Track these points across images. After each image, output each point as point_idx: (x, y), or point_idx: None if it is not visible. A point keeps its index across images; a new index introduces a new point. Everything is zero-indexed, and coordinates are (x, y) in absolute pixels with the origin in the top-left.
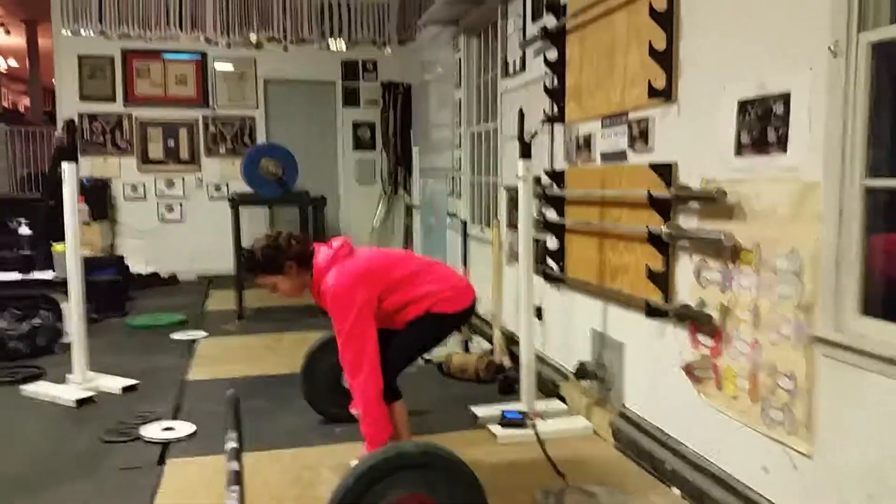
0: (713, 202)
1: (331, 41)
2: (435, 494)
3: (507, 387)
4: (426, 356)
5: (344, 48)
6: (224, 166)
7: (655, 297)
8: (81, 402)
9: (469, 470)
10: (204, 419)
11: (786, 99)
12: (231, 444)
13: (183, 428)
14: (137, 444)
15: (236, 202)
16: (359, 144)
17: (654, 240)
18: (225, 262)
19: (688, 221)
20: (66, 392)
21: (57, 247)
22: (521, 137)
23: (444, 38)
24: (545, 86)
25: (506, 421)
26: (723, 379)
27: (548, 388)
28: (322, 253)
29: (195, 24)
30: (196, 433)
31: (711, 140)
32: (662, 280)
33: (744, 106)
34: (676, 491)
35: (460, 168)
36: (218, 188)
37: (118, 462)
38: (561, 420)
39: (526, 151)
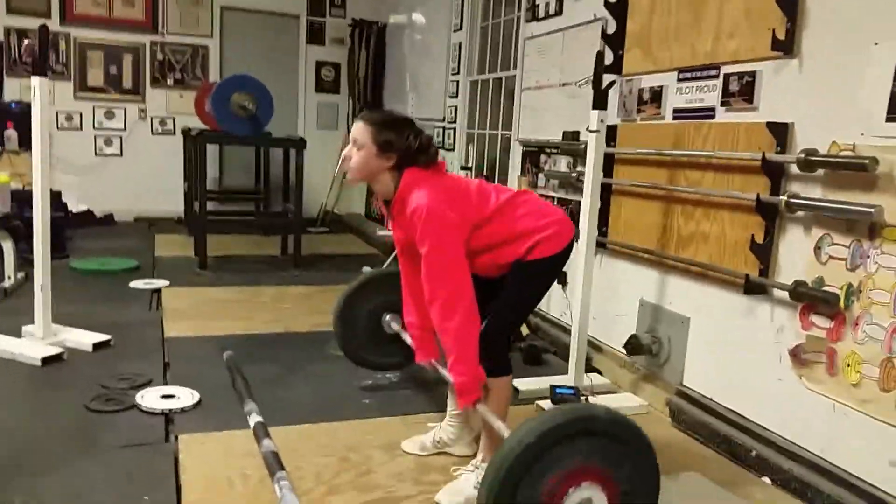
0: (853, 170)
1: None
2: (615, 471)
3: (533, 357)
4: None
5: None
6: (172, 99)
7: (751, 271)
8: (47, 361)
9: (654, 453)
10: (203, 385)
11: None
12: (255, 418)
13: (185, 395)
14: (133, 414)
15: (203, 139)
16: (322, 86)
17: (761, 208)
18: (169, 204)
19: (807, 190)
20: (29, 348)
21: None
22: (596, 85)
23: None
24: (603, 31)
25: (557, 397)
26: (841, 364)
27: None
28: (410, 170)
29: None
30: (201, 402)
31: (848, 101)
32: (764, 253)
33: None
34: (767, 480)
35: (455, 119)
36: (164, 122)
37: (117, 437)
38: (612, 397)
39: (602, 101)
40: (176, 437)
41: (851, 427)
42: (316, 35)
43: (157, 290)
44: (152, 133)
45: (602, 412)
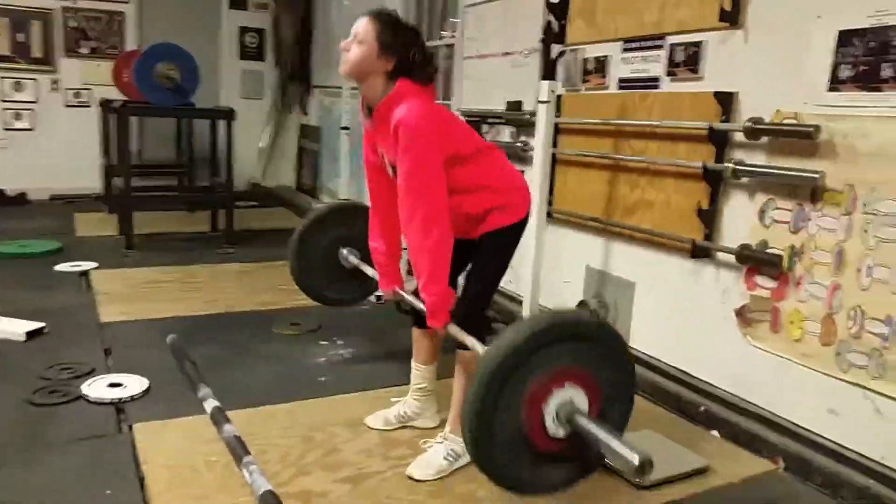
0: (797, 137)
1: None
2: (595, 374)
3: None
4: (379, 293)
5: None
6: (87, 69)
7: (696, 236)
8: None
9: (632, 361)
10: (150, 371)
11: None
12: (211, 402)
13: (133, 383)
14: (80, 405)
15: (128, 111)
16: (245, 53)
17: (707, 176)
18: (86, 181)
19: (752, 157)
20: None
21: None
22: (546, 55)
23: None
24: (547, 1)
25: None
26: (784, 322)
27: None
28: (404, 80)
29: None
30: (150, 389)
31: (791, 71)
32: (709, 219)
33: (846, 36)
34: (716, 433)
35: None
36: (78, 94)
37: (67, 431)
38: None
39: (551, 71)
40: (130, 427)
41: (794, 380)
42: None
43: (85, 273)
44: (66, 105)
45: (587, 316)
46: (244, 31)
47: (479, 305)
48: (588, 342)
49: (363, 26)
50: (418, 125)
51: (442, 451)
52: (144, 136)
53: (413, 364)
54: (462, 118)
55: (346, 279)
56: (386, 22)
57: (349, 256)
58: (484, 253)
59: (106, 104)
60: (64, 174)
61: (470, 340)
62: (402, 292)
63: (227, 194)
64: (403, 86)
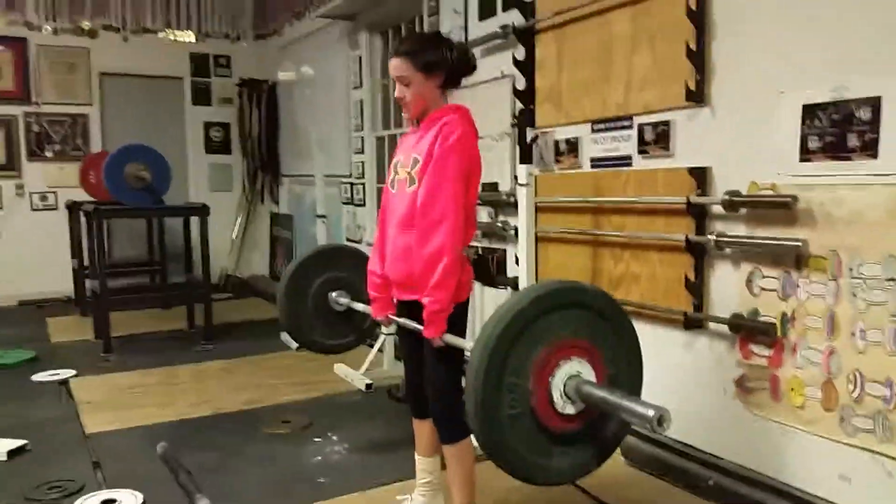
0: (776, 208)
1: (178, 32)
2: (603, 351)
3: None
4: (368, 381)
5: (193, 40)
6: (51, 172)
7: (686, 308)
8: None
9: (637, 339)
10: (144, 483)
11: (874, 104)
12: None
13: (127, 498)
14: None
15: (100, 213)
16: (212, 147)
17: (690, 248)
18: (56, 284)
19: (731, 228)
20: None
21: None
22: (521, 138)
23: (331, 34)
24: (514, 88)
25: None
26: (785, 389)
27: None
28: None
29: (11, 4)
30: (145, 503)
31: (761, 144)
32: (697, 290)
33: (811, 110)
34: None
35: (363, 175)
36: (44, 198)
37: None
38: None
39: (528, 155)
40: None
41: (801, 448)
42: (202, 95)
43: (65, 382)
44: (32, 209)
45: (594, 287)
46: (209, 125)
47: (447, 397)
48: (590, 311)
49: (398, 68)
50: (466, 132)
51: None
52: (113, 235)
53: (416, 457)
54: None
55: (339, 323)
56: (412, 49)
57: (339, 298)
58: (453, 326)
59: (73, 206)
60: (32, 278)
61: (460, 341)
62: (394, 317)
63: (205, 290)
64: (455, 106)
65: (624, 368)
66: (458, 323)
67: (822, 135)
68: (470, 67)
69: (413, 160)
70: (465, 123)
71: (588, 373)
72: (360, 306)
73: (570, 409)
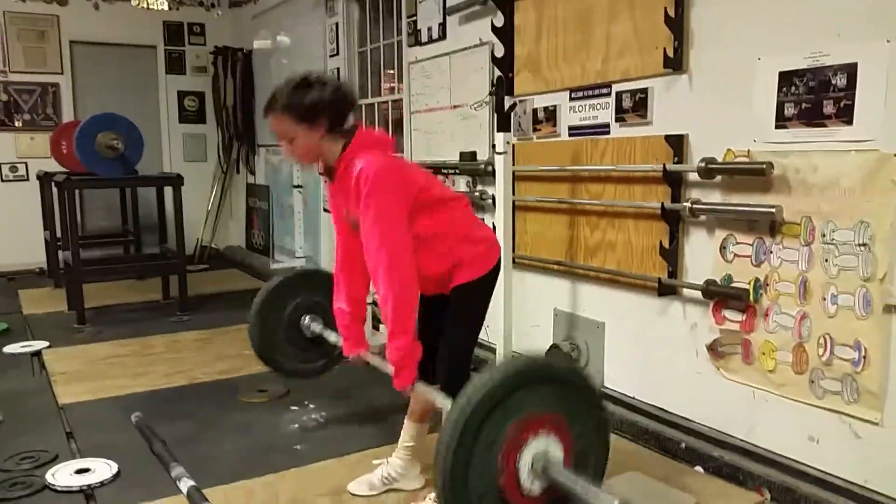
0: (751, 174)
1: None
2: (570, 420)
3: None
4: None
5: (166, 7)
6: (21, 142)
7: (660, 274)
8: None
9: (605, 406)
10: (118, 453)
11: (850, 70)
12: (186, 482)
13: (101, 468)
14: (45, 496)
15: (71, 184)
16: (186, 117)
17: (665, 215)
18: (28, 255)
19: (707, 196)
20: None
21: None
22: (499, 106)
23: (307, 1)
24: (493, 55)
25: None
26: (756, 353)
27: None
28: (361, 133)
29: None
30: (120, 472)
31: (738, 112)
32: (672, 257)
33: (787, 77)
34: (699, 469)
35: None
36: (14, 168)
37: None
38: None
39: (505, 123)
40: None
41: (771, 410)
42: (175, 64)
43: (37, 353)
44: (2, 180)
45: (557, 361)
46: (183, 94)
47: (462, 366)
48: (560, 386)
49: (275, 124)
50: (377, 174)
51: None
52: (86, 206)
53: (406, 421)
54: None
55: (312, 348)
56: (287, 103)
57: (311, 324)
58: (455, 310)
59: (45, 177)
60: (4, 250)
61: (439, 399)
62: (367, 356)
63: (180, 260)
64: (361, 138)
65: (592, 439)
66: (478, 300)
67: (798, 101)
68: (350, 105)
69: (348, 212)
70: (374, 162)
71: (556, 449)
72: (332, 337)
73: (536, 489)
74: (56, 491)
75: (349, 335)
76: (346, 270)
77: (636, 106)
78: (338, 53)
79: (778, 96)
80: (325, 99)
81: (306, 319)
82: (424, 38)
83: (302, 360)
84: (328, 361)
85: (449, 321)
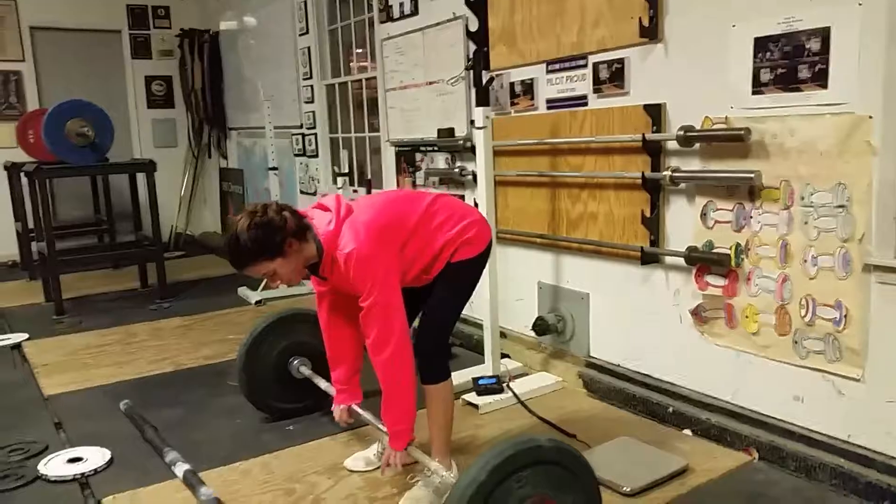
0: (729, 141)
1: None
2: (560, 497)
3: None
4: None
5: None
6: None
7: (643, 243)
8: None
9: (594, 476)
10: (110, 441)
11: (824, 34)
12: (181, 465)
13: (93, 455)
14: (40, 486)
15: (42, 173)
16: (154, 102)
17: (646, 185)
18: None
19: (686, 163)
20: None
21: None
22: (477, 81)
23: None
24: (467, 29)
25: (481, 388)
26: (740, 317)
27: (482, 348)
28: (319, 217)
29: None
30: (113, 460)
31: (714, 79)
32: (653, 225)
33: (762, 43)
34: (688, 432)
35: (314, 125)
36: None
37: None
38: (528, 379)
39: (484, 98)
40: (99, 503)
41: (755, 371)
42: (141, 49)
43: (17, 346)
44: None
45: (545, 440)
46: (150, 79)
47: (443, 335)
48: (546, 464)
49: (254, 272)
50: (358, 255)
51: (430, 483)
52: (56, 196)
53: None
54: (394, 194)
55: (301, 389)
56: (256, 247)
57: (300, 367)
58: (446, 281)
59: (13, 167)
60: None
61: (434, 465)
62: (357, 409)
63: (157, 248)
64: (327, 237)
65: None
66: (470, 272)
67: (773, 67)
68: (303, 221)
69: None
70: (355, 245)
71: None
72: (323, 384)
73: None
74: (50, 481)
75: (342, 390)
76: (330, 319)
77: (613, 76)
78: (307, 32)
79: (754, 62)
80: (286, 228)
81: (295, 362)
82: (396, 13)
83: (291, 399)
84: (317, 400)
85: (438, 290)
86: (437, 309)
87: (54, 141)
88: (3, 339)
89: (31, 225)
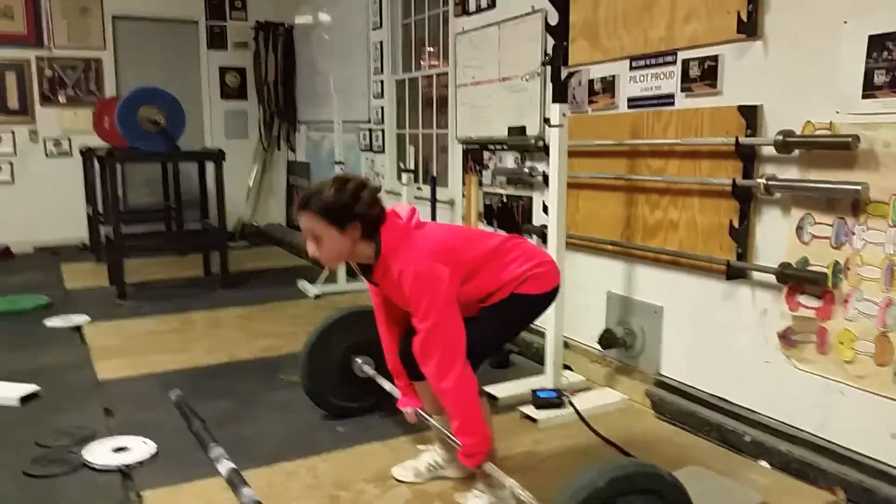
0: (834, 149)
1: None
2: None
3: (500, 361)
4: None
5: None
6: (65, 117)
7: (728, 256)
8: None
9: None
10: (156, 431)
11: None
12: (226, 463)
13: (138, 446)
14: (83, 474)
15: (114, 158)
16: (227, 93)
17: (736, 193)
18: (71, 231)
19: (783, 171)
20: None
21: None
22: (555, 77)
23: None
24: (546, 23)
25: (540, 401)
26: (833, 342)
27: (542, 358)
28: (387, 230)
29: None
30: (158, 452)
31: (818, 80)
32: (742, 237)
33: (878, 41)
34: (765, 464)
35: (382, 120)
36: (58, 144)
37: None
38: (591, 394)
39: (562, 94)
40: (139, 496)
41: (847, 403)
42: (217, 40)
43: (78, 328)
44: (46, 156)
45: (667, 475)
46: (224, 70)
47: (479, 357)
48: (661, 499)
49: (306, 223)
50: (419, 272)
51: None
52: (128, 181)
53: (435, 417)
54: (462, 230)
55: (363, 388)
56: (322, 205)
57: (364, 366)
58: (502, 307)
59: (88, 152)
60: (47, 225)
61: (510, 482)
62: (424, 414)
63: (221, 236)
64: (391, 236)
65: None
66: (529, 309)
67: (889, 68)
68: (381, 216)
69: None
70: (416, 262)
71: None
72: (387, 386)
73: None
74: (93, 469)
75: (405, 392)
76: (388, 327)
77: (704, 75)
78: (381, 26)
79: (866, 62)
80: (364, 209)
81: (358, 360)
82: (472, 7)
83: (353, 398)
84: (379, 399)
85: (490, 311)
86: (482, 329)
87: (126, 127)
88: (65, 321)
89: (101, 209)
